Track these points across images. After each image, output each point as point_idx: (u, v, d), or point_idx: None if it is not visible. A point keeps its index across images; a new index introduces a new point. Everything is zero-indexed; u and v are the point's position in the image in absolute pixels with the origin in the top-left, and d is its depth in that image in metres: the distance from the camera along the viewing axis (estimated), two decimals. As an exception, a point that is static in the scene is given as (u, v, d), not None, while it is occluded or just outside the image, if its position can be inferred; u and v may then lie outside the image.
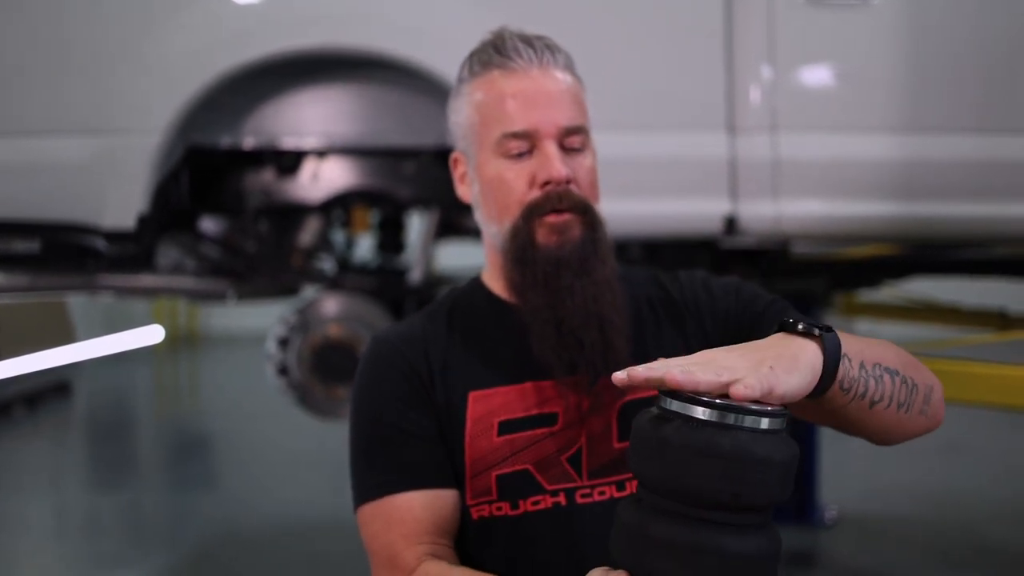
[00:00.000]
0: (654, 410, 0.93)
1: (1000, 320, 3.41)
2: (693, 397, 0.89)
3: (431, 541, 1.26)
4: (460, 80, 1.38)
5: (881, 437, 1.18)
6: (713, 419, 0.88)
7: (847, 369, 1.02)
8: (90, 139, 2.54)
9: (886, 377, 1.09)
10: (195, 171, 2.81)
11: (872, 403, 1.08)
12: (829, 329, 0.99)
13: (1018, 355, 2.57)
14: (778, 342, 0.99)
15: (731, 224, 2.55)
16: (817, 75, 2.65)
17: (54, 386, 7.58)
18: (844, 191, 2.58)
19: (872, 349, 1.10)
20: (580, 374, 1.31)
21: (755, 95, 2.55)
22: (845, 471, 4.89)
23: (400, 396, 1.33)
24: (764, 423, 0.88)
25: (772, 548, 0.91)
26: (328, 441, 5.92)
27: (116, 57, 2.54)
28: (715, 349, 0.98)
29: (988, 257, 3.33)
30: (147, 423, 7.57)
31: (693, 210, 2.57)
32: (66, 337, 8.19)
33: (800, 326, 1.00)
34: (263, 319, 6.60)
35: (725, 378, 0.91)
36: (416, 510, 1.27)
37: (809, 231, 2.65)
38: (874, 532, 4.15)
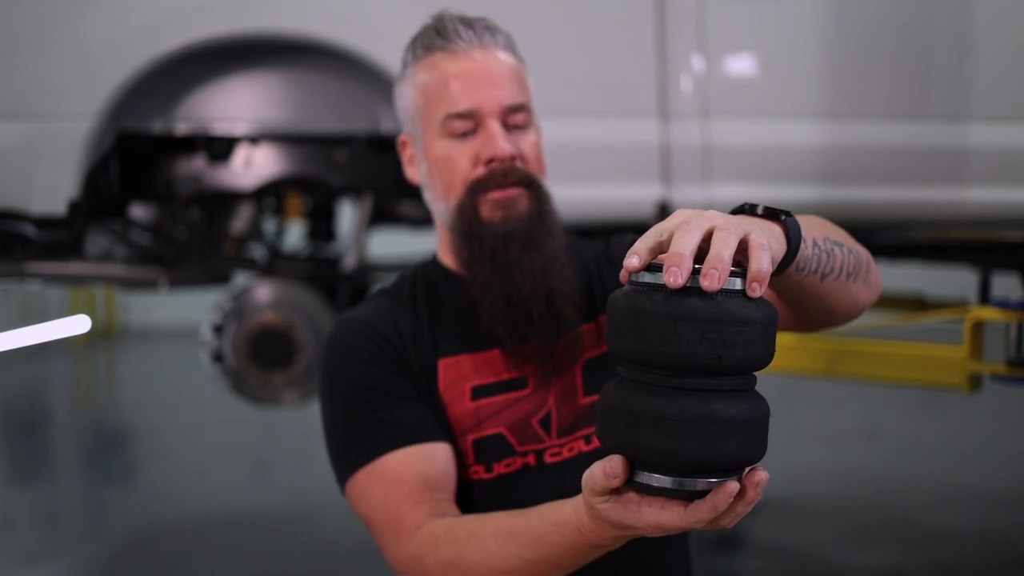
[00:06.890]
0: (628, 287, 0.88)
1: (917, 304, 3.51)
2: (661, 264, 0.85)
3: (433, 498, 1.24)
4: (405, 64, 1.40)
5: (827, 309, 1.16)
6: (689, 284, 0.84)
7: (803, 249, 1.01)
8: (20, 123, 2.50)
9: (836, 250, 1.10)
10: (125, 157, 2.78)
11: (823, 276, 1.08)
12: (788, 214, 0.98)
13: (934, 337, 2.67)
14: (746, 218, 0.93)
15: (663, 209, 2.60)
16: (746, 64, 2.72)
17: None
18: (771, 176, 2.65)
19: (818, 225, 1.11)
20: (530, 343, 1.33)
21: (686, 83, 2.60)
22: (767, 456, 4.98)
23: (375, 362, 1.33)
24: (738, 283, 0.85)
25: (762, 411, 0.88)
26: (247, 434, 5.89)
27: (46, 41, 2.50)
28: (701, 211, 0.90)
29: (906, 241, 3.44)
30: (65, 417, 7.42)
31: (626, 195, 2.62)
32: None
33: (760, 209, 0.98)
34: (183, 312, 6.49)
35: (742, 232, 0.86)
36: (414, 465, 1.25)
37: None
38: (796, 513, 4.25)
